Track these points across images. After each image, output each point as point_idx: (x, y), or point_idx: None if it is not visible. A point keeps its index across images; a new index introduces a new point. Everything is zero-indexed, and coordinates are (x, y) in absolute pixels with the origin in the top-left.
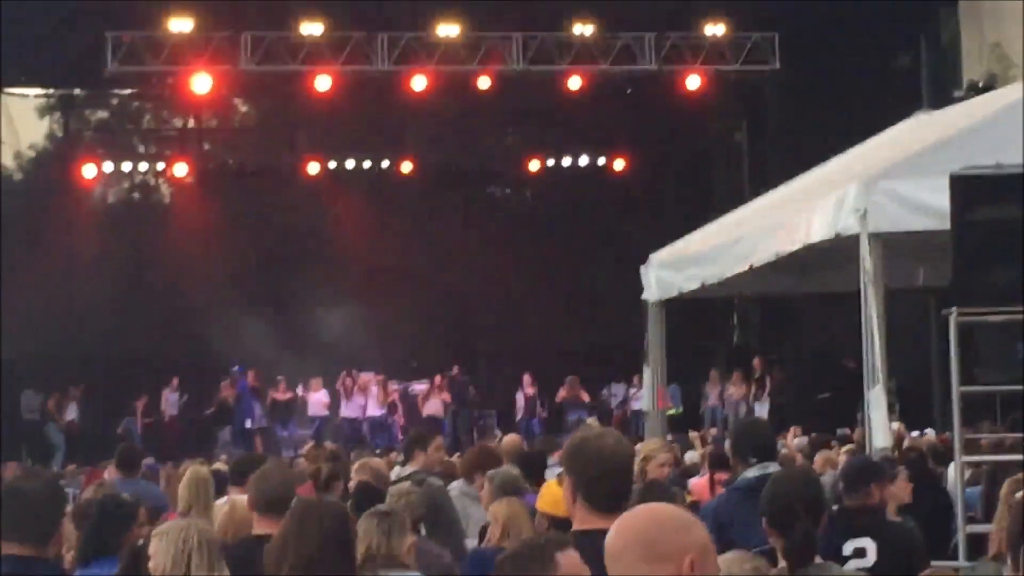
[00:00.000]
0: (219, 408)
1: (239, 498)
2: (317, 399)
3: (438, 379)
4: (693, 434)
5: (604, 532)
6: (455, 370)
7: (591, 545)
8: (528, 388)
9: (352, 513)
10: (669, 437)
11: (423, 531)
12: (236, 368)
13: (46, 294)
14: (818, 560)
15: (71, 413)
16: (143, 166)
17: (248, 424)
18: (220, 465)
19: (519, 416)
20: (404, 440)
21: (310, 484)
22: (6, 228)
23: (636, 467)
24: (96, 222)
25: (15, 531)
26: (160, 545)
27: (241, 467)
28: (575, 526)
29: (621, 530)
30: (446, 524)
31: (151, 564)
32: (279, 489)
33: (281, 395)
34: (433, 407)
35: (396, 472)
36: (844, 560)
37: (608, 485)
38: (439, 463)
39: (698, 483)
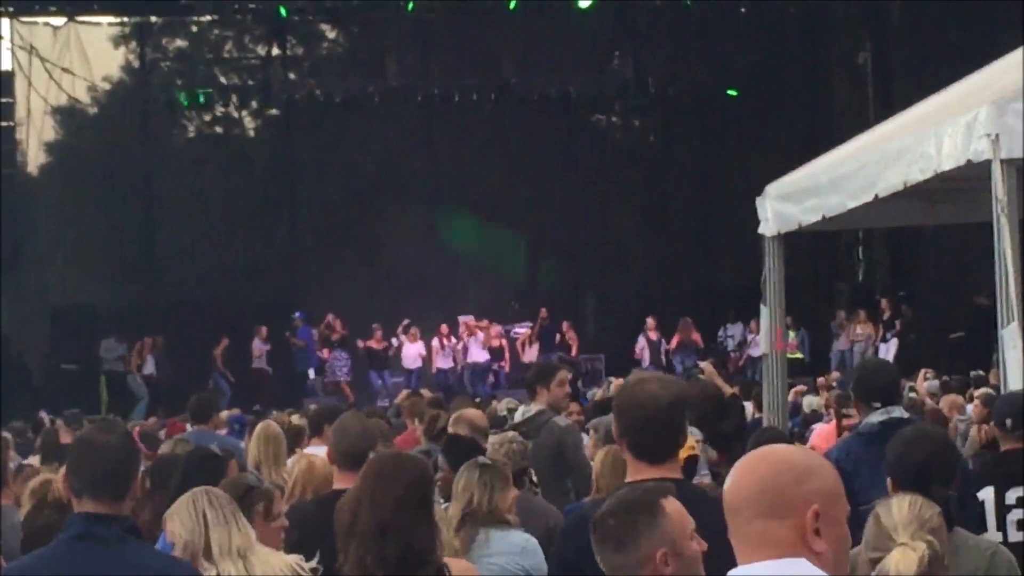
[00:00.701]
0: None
1: (315, 454)
2: (414, 351)
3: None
4: (822, 380)
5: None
6: (543, 314)
7: None
8: (651, 332)
9: (449, 468)
10: (789, 382)
11: (530, 481)
12: (298, 315)
13: (123, 235)
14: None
15: (149, 366)
16: (224, 98)
17: (311, 374)
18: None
19: (645, 362)
20: (527, 376)
21: (411, 432)
22: (80, 164)
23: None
24: (175, 158)
25: (88, 486)
26: (174, 522)
27: (319, 418)
28: (627, 477)
29: (737, 482)
30: (575, 468)
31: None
32: (358, 442)
33: (377, 344)
34: (535, 352)
35: (520, 412)
36: (1007, 510)
37: (646, 434)
38: (564, 399)
39: (823, 429)
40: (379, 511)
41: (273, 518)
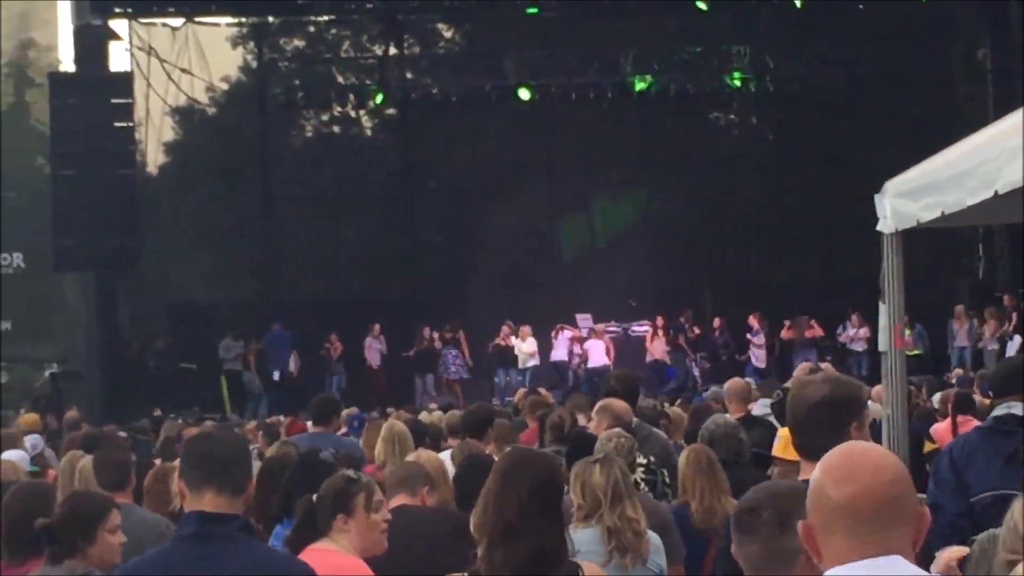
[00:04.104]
0: (420, 355)
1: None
2: (526, 348)
3: (660, 320)
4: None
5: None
6: (660, 322)
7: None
8: (756, 336)
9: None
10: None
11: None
12: (278, 325)
13: (241, 234)
14: None
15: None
16: (342, 97)
17: (276, 376)
18: (425, 415)
19: (758, 363)
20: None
21: (532, 431)
22: (198, 164)
23: None
24: (292, 158)
25: (210, 476)
26: None
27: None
28: (799, 476)
29: (865, 489)
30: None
31: None
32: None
33: (503, 340)
34: (658, 351)
35: None
36: None
37: (800, 434)
38: None
39: (940, 427)
40: (505, 511)
41: (374, 509)
